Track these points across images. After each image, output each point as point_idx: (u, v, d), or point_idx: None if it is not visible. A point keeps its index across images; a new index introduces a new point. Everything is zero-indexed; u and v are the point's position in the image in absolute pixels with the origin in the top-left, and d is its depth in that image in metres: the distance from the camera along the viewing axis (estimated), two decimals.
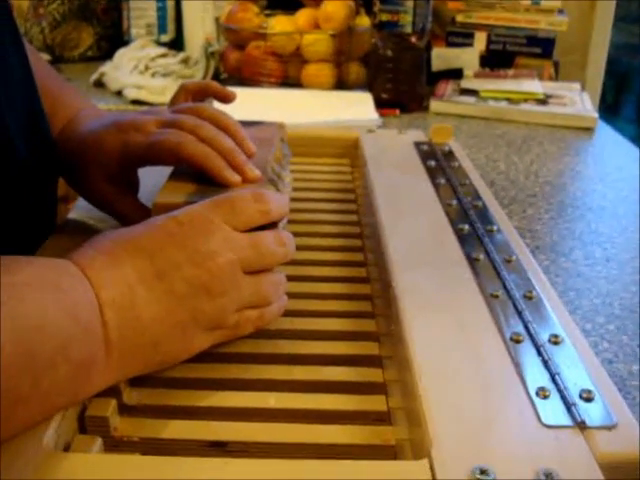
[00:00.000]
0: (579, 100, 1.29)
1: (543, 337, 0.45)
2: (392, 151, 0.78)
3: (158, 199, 0.50)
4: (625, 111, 3.25)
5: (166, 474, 0.34)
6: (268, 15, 1.37)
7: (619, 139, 1.16)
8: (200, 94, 0.64)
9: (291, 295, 0.54)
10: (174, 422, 0.41)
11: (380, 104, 1.24)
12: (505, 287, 0.51)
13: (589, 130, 1.18)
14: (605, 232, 0.78)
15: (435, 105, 1.27)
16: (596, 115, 1.22)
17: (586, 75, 1.66)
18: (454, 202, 0.64)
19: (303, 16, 1.32)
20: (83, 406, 0.40)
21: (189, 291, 0.41)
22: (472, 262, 0.54)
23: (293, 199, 0.67)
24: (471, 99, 1.28)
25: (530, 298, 0.49)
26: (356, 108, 1.22)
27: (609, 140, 1.17)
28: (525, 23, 1.43)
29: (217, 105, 0.64)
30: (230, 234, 0.44)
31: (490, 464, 0.34)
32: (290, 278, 0.56)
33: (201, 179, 0.52)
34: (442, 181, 0.69)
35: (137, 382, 0.43)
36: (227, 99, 0.64)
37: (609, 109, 2.92)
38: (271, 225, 0.47)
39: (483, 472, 0.34)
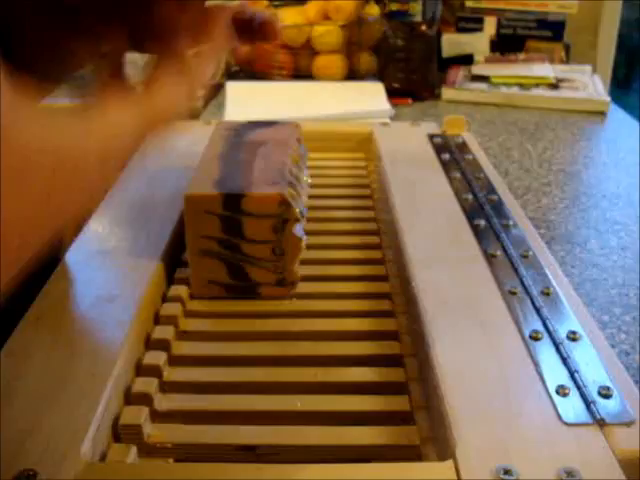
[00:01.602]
0: (590, 83, 1.29)
1: (561, 334, 0.45)
2: (406, 145, 0.78)
3: (190, 191, 0.52)
4: (636, 85, 3.24)
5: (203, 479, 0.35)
6: (277, 7, 1.38)
7: (632, 122, 1.17)
8: None
9: (311, 295, 0.56)
10: (204, 427, 0.42)
11: (392, 93, 1.24)
12: (523, 283, 0.51)
13: (601, 114, 1.18)
14: (620, 220, 0.79)
15: (447, 93, 1.27)
16: (608, 99, 1.22)
17: (597, 54, 1.66)
18: (469, 196, 0.65)
19: (313, 7, 1.32)
20: (116, 415, 0.41)
21: None
22: (489, 258, 0.54)
23: (309, 196, 0.68)
24: (483, 85, 1.28)
25: (547, 294, 0.50)
26: (368, 98, 1.22)
27: (622, 124, 1.17)
28: (535, 6, 1.43)
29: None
30: None
31: (513, 464, 0.35)
32: (309, 278, 0.57)
33: (228, 164, 0.55)
34: (457, 175, 0.70)
35: (167, 388, 0.45)
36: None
37: (620, 84, 2.92)
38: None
39: (507, 472, 0.35)
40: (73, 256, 0.55)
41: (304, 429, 0.42)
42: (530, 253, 0.55)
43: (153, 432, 0.41)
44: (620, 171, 0.94)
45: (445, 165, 0.72)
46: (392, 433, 0.42)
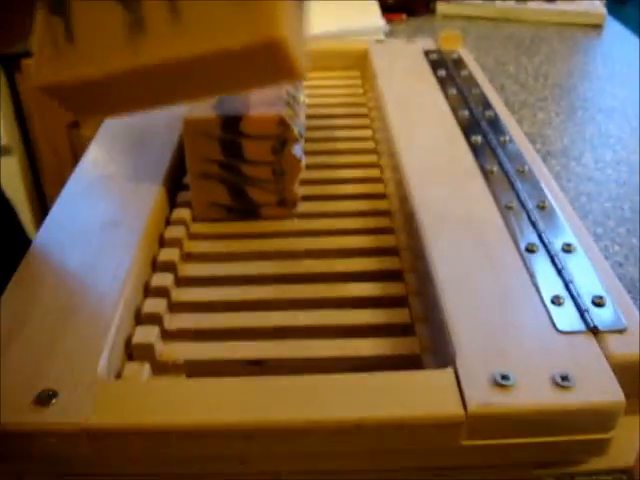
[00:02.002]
0: None
1: (556, 246, 0.47)
2: (402, 61, 0.78)
3: (189, 114, 0.53)
4: None
5: (214, 394, 0.36)
6: None
7: (628, 35, 1.15)
8: None
9: (311, 215, 0.57)
10: (213, 344, 0.44)
11: (386, 9, 1.22)
12: (519, 198, 0.52)
13: (598, 27, 1.17)
14: (615, 134, 0.79)
15: (442, 7, 1.26)
16: (604, 11, 1.20)
17: None
18: (466, 112, 0.65)
19: None
20: (129, 335, 0.43)
21: None
22: (486, 174, 0.55)
23: (306, 116, 0.68)
24: None
25: (543, 208, 0.51)
26: (362, 15, 1.20)
27: (618, 37, 1.16)
28: None
29: None
30: None
31: (510, 369, 0.36)
32: (309, 197, 0.58)
33: None
34: (453, 91, 0.70)
35: (176, 308, 0.46)
36: None
37: None
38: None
39: (504, 377, 0.36)
40: (74, 184, 0.56)
41: (309, 343, 0.44)
42: (526, 168, 0.56)
43: (164, 350, 0.43)
44: (616, 85, 0.94)
45: (441, 81, 0.72)
46: (393, 344, 0.43)
